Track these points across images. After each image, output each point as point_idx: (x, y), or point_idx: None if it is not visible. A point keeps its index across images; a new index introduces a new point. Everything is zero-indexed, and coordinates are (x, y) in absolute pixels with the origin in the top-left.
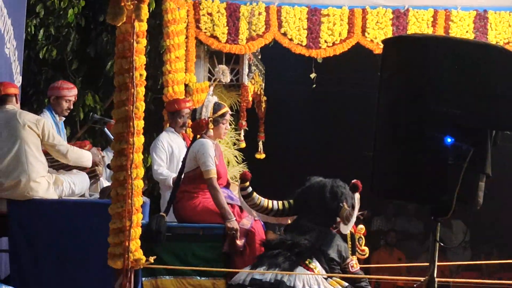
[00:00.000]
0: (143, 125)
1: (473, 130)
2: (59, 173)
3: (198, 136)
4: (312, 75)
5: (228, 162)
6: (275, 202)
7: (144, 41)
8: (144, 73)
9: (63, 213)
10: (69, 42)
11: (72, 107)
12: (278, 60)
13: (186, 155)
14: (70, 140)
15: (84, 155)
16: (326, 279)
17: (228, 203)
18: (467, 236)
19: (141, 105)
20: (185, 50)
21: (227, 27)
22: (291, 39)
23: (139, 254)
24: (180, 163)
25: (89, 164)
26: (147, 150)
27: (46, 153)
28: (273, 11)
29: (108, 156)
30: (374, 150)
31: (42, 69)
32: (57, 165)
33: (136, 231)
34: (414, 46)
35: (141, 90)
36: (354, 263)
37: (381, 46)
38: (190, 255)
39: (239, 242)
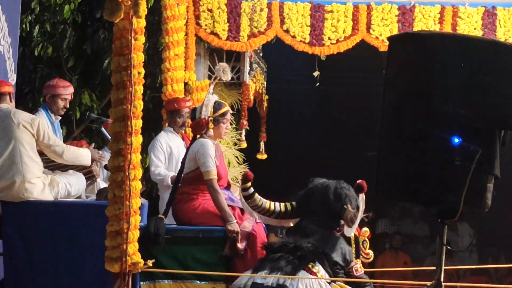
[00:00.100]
0: (141, 125)
1: (481, 130)
2: (54, 173)
3: (198, 136)
4: (316, 73)
5: (229, 163)
6: (277, 204)
7: (142, 38)
8: (143, 71)
9: (59, 215)
10: (65, 39)
11: (68, 106)
12: (280, 57)
13: (185, 155)
14: (66, 140)
15: (82, 154)
16: (329, 283)
17: (228, 205)
18: (473, 239)
19: (139, 104)
20: (185, 48)
21: (227, 24)
22: (293, 36)
23: (137, 257)
24: (179, 164)
25: (88, 162)
26: (145, 150)
27: (41, 153)
28: (275, 7)
29: (105, 156)
30: (378, 150)
31: (37, 67)
32: (52, 165)
33: (134, 234)
34: (420, 44)
35: (139, 89)
36: (358, 267)
37: (387, 43)
38: (189, 259)
39: (240, 245)
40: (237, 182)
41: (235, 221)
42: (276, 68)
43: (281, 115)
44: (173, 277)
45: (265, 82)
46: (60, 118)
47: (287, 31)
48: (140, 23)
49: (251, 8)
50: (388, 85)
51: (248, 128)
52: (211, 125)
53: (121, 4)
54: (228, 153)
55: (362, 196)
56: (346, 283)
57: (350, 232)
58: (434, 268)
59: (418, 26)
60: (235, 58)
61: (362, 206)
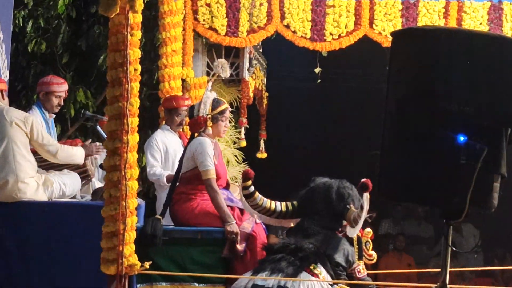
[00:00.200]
0: (137, 123)
1: (487, 129)
2: (48, 173)
3: (196, 134)
4: (317, 70)
5: (228, 162)
6: (278, 203)
7: (138, 34)
8: (139, 68)
9: (53, 215)
10: (59, 35)
11: (62, 103)
12: (280, 54)
13: (183, 154)
14: (60, 138)
15: (75, 153)
16: (331, 285)
17: (227, 205)
18: (479, 241)
19: (135, 102)
20: (182, 43)
21: (226, 19)
22: (294, 32)
23: (133, 259)
24: (176, 163)
25: (81, 161)
26: (141, 149)
27: (34, 152)
28: (275, 1)
29: (100, 155)
30: (381, 149)
31: (30, 63)
32: (46, 164)
33: (131, 235)
34: (424, 39)
35: (135, 86)
36: (361, 268)
37: (390, 39)
38: (187, 260)
39: (240, 247)
40: (236, 182)
41: (234, 221)
42: (276, 64)
43: (281, 113)
44: (171, 280)
45: (265, 79)
46: (54, 116)
47: (287, 26)
48: (136, 18)
49: (250, 3)
50: (391, 82)
51: (247, 126)
52: (209, 123)
53: None
54: (227, 151)
55: (366, 196)
56: (349, 285)
57: (353, 232)
58: (439, 270)
59: (422, 21)
60: (234, 54)
61: (366, 206)
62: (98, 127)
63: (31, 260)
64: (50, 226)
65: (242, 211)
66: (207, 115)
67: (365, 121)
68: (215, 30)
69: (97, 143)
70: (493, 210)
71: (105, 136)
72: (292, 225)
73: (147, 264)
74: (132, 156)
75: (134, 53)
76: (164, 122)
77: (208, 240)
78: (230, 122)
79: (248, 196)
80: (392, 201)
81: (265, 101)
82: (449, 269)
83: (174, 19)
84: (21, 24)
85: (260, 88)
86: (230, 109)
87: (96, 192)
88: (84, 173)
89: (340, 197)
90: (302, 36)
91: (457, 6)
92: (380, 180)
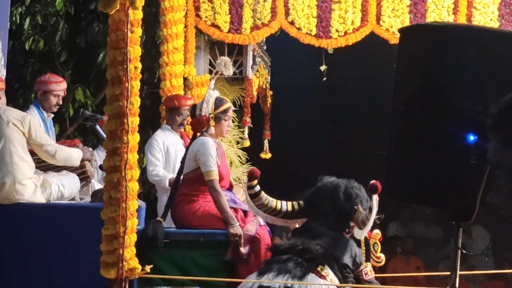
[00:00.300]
0: (138, 122)
1: None
2: (47, 174)
3: (198, 134)
4: (322, 68)
5: (231, 162)
6: (284, 203)
7: (139, 31)
8: (139, 66)
9: (51, 218)
10: (57, 32)
11: (61, 102)
12: (285, 51)
13: (185, 154)
14: (59, 138)
15: (73, 154)
16: None
17: (231, 207)
18: (489, 243)
19: (136, 100)
20: (184, 41)
21: (229, 16)
22: (299, 28)
23: (134, 262)
24: (177, 164)
25: (77, 163)
26: (142, 149)
27: (32, 153)
28: None
29: (100, 156)
30: (389, 149)
31: (28, 61)
32: (44, 165)
33: (131, 238)
34: (433, 36)
35: (136, 84)
36: (368, 270)
37: (398, 35)
38: (189, 264)
39: (243, 250)
40: (239, 183)
41: (238, 224)
42: (281, 62)
43: (286, 112)
44: (172, 283)
45: (269, 77)
46: (52, 115)
47: (292, 23)
48: (136, 15)
49: None
50: (399, 80)
51: (251, 125)
52: (212, 122)
53: None
54: (230, 152)
55: (375, 198)
56: None
57: (361, 234)
58: (449, 273)
59: (431, 17)
60: (237, 52)
61: (375, 208)
62: (98, 126)
63: (28, 264)
64: (48, 229)
65: (245, 213)
66: (210, 114)
67: (372, 120)
68: (217, 27)
69: (91, 149)
70: (504, 211)
71: (105, 136)
72: (297, 225)
73: (148, 268)
74: (133, 157)
75: (135, 50)
76: (165, 121)
77: (211, 243)
78: (233, 121)
79: (254, 196)
80: (400, 203)
81: (269, 100)
82: (459, 272)
83: (176, 16)
84: (18, 21)
85: (264, 87)
86: (233, 108)
87: (95, 194)
88: (83, 174)
89: (348, 198)
90: (307, 33)
91: (467, 2)
92: (388, 181)
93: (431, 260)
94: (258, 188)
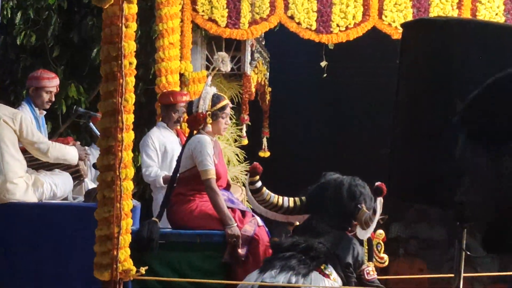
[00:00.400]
0: (133, 120)
1: None
2: (39, 173)
3: (195, 131)
4: (323, 64)
5: (229, 161)
6: (285, 198)
7: (134, 25)
8: (134, 61)
9: (43, 218)
10: (50, 27)
11: (53, 99)
12: (284, 46)
13: (181, 153)
14: (51, 136)
15: (69, 152)
16: None
17: (228, 207)
18: None
19: (130, 97)
20: (180, 36)
21: (227, 10)
22: (299, 23)
23: (128, 264)
24: (173, 162)
25: (75, 161)
26: (137, 147)
27: (24, 151)
28: None
29: (93, 154)
30: (392, 147)
31: (20, 57)
32: (36, 164)
33: (126, 239)
34: (437, 31)
35: (130, 80)
36: (370, 270)
37: (400, 30)
38: (185, 266)
39: (241, 251)
40: (237, 182)
41: (236, 224)
42: (280, 58)
43: (285, 109)
44: (168, 286)
45: (268, 73)
46: (45, 112)
47: (291, 17)
48: (131, 9)
49: None
50: (402, 76)
51: (249, 123)
52: (209, 120)
53: None
54: (228, 150)
55: (380, 200)
56: None
57: (364, 235)
58: (452, 275)
59: (434, 12)
60: (235, 47)
61: (379, 211)
62: (91, 124)
63: (20, 265)
64: (40, 229)
65: (243, 213)
66: (207, 111)
67: (374, 118)
68: (215, 21)
69: (86, 148)
70: None
71: (99, 133)
72: (297, 223)
73: (143, 270)
74: (127, 155)
75: (129, 46)
76: (160, 119)
77: (208, 244)
78: (231, 119)
79: (255, 192)
80: (403, 203)
81: (268, 97)
82: (463, 275)
83: (172, 10)
84: (9, 16)
85: (262, 83)
86: (231, 105)
87: (89, 193)
88: (76, 173)
89: (352, 196)
90: (307, 28)
91: None
92: (391, 180)
93: (435, 262)
94: (259, 184)
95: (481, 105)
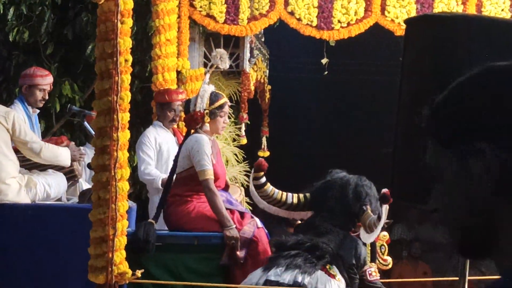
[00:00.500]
0: (128, 118)
1: None
2: (32, 173)
3: (192, 130)
4: (324, 61)
5: (227, 161)
6: (289, 194)
7: (129, 21)
8: (130, 58)
9: (37, 219)
10: (43, 23)
11: (47, 97)
12: (284, 43)
13: (178, 152)
14: (45, 135)
15: (61, 153)
16: None
17: (227, 208)
18: None
19: (126, 95)
20: (177, 32)
21: (225, 5)
22: (299, 19)
23: (124, 267)
24: (170, 162)
25: (67, 163)
26: (133, 147)
27: (16, 151)
28: None
29: (88, 154)
30: (394, 147)
31: (12, 54)
32: (29, 164)
33: (121, 241)
34: (441, 27)
35: (126, 78)
36: (372, 271)
37: (403, 27)
38: (182, 268)
39: (240, 253)
40: (236, 183)
41: (234, 226)
42: (280, 55)
43: (285, 108)
44: None
45: (267, 71)
46: (38, 111)
47: (291, 13)
48: (127, 5)
49: None
50: (405, 74)
51: (248, 122)
52: (207, 118)
53: None
54: (226, 150)
55: (386, 207)
56: None
57: (368, 239)
58: (457, 278)
59: (438, 8)
60: (233, 44)
61: (384, 217)
62: (86, 123)
63: (12, 268)
64: (33, 231)
65: (242, 214)
66: (205, 110)
67: (376, 116)
68: (213, 17)
69: (81, 149)
70: None
71: (93, 133)
72: (299, 222)
73: (139, 273)
74: (123, 155)
75: (125, 42)
76: (156, 118)
77: (206, 246)
78: (229, 117)
79: (259, 187)
80: (406, 204)
81: (267, 95)
82: (467, 277)
83: (168, 6)
84: (1, 11)
85: (262, 81)
86: (229, 103)
87: (83, 194)
88: (70, 174)
89: (357, 196)
90: (307, 24)
91: None
92: (393, 181)
93: (439, 265)
94: (264, 179)
95: (446, 108)
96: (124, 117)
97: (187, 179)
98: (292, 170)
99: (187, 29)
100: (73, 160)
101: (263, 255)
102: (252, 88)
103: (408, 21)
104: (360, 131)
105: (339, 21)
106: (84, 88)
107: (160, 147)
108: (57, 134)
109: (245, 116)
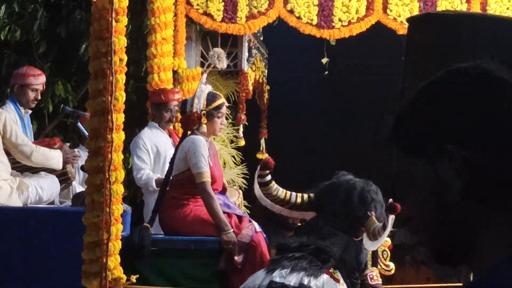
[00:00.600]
0: (123, 119)
1: None
2: (24, 176)
3: (189, 132)
4: (324, 60)
5: (225, 163)
6: (294, 194)
7: (124, 20)
8: (125, 58)
9: (28, 223)
10: (35, 21)
11: (39, 97)
12: (283, 42)
13: (174, 155)
14: (37, 136)
15: (53, 156)
16: None
17: (224, 212)
18: None
19: (121, 96)
20: (174, 31)
21: (223, 3)
22: (299, 17)
23: (118, 272)
24: (166, 165)
25: (59, 166)
26: (128, 148)
27: (8, 153)
28: None
29: (82, 156)
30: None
31: (4, 53)
32: (21, 166)
33: (115, 245)
34: (445, 25)
35: (121, 78)
36: (374, 275)
37: (406, 25)
38: (179, 274)
39: (238, 258)
40: (234, 185)
41: (232, 230)
42: (279, 54)
43: (284, 108)
44: None
45: (266, 70)
46: (30, 111)
47: (291, 11)
48: (122, 2)
49: None
50: (408, 73)
51: (246, 123)
52: (204, 119)
53: None
54: (224, 152)
55: (392, 218)
56: None
57: (371, 246)
58: (461, 284)
59: (442, 6)
60: (231, 43)
61: (389, 227)
62: (79, 124)
63: (3, 272)
64: (25, 235)
65: (240, 218)
66: (202, 110)
67: (377, 117)
68: (210, 15)
69: (76, 150)
70: None
71: (87, 134)
72: (297, 223)
73: (133, 278)
74: (117, 157)
75: (120, 41)
76: (151, 118)
77: (202, 251)
78: (227, 118)
79: (264, 185)
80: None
81: (266, 95)
82: None
83: (164, 4)
84: None
85: (260, 81)
86: (227, 104)
87: (77, 197)
88: (63, 176)
89: (363, 201)
90: (307, 23)
91: None
92: (396, 183)
93: (442, 270)
94: (269, 177)
95: (412, 114)
96: (118, 118)
97: (183, 182)
98: (291, 172)
99: (184, 28)
100: (66, 163)
101: (261, 260)
102: (251, 88)
103: (411, 20)
104: (361, 132)
105: (340, 20)
106: (77, 88)
107: (156, 149)
108: (49, 135)
109: (243, 117)
